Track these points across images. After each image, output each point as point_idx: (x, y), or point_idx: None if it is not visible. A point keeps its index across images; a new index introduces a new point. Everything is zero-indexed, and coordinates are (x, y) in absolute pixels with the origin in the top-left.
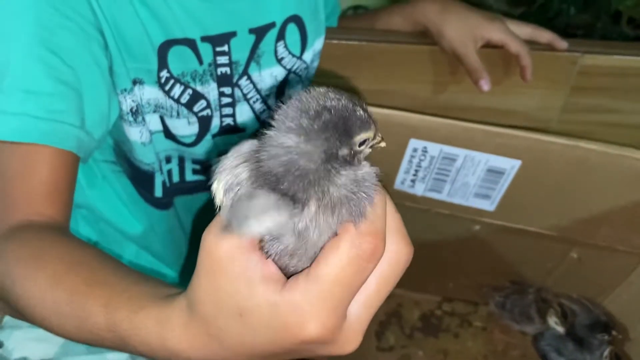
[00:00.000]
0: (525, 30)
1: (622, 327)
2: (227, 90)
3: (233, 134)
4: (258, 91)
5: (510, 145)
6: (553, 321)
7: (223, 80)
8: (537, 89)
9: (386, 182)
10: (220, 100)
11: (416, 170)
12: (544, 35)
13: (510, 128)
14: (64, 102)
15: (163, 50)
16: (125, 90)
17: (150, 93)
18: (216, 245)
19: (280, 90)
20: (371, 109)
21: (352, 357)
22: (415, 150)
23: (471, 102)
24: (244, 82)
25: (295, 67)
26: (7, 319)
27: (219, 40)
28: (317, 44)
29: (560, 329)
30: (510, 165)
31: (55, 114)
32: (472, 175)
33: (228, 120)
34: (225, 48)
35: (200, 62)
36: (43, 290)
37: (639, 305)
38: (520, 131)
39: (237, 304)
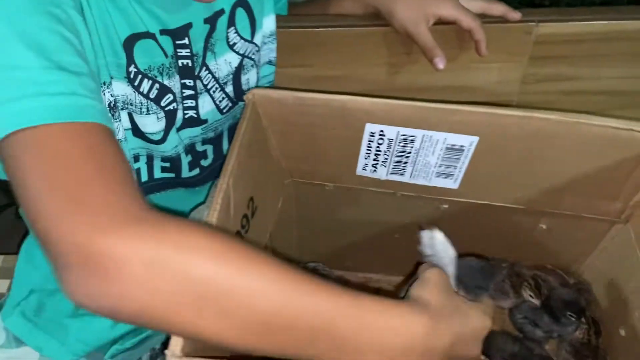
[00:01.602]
0: (477, 4)
1: (594, 299)
2: (189, 82)
3: (196, 126)
4: (216, 80)
5: (467, 122)
6: (527, 294)
7: (185, 72)
8: (494, 62)
9: (346, 170)
10: (182, 92)
11: (376, 155)
12: (496, 8)
13: (469, 104)
14: (94, 82)
15: (129, 45)
16: (104, 83)
17: (119, 89)
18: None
19: (237, 77)
20: (327, 97)
21: None
22: (372, 134)
23: (430, 82)
24: (204, 73)
25: (248, 52)
26: None
27: (178, 33)
28: (266, 26)
29: (535, 302)
30: (469, 142)
31: (94, 93)
32: (432, 155)
33: (191, 113)
34: (186, 41)
35: (166, 55)
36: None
37: (611, 273)
38: (476, 107)
39: (453, 303)
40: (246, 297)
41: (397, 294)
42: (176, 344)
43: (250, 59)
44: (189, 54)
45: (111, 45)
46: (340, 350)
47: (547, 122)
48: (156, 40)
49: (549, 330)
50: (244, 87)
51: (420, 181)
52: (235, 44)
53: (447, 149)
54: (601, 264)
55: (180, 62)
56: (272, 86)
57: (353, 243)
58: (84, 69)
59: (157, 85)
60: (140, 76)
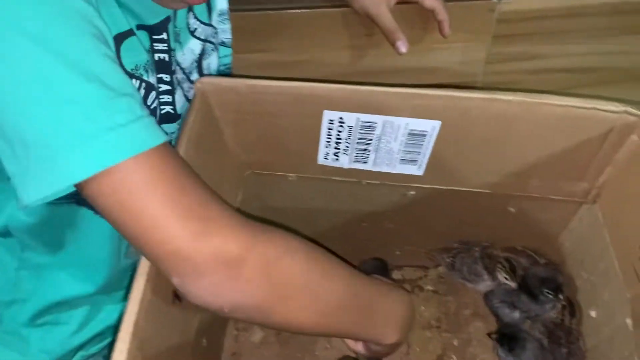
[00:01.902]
0: None
1: (569, 277)
2: (165, 77)
3: (173, 122)
4: (183, 70)
5: (428, 106)
6: (502, 277)
7: (161, 67)
8: (458, 42)
9: (307, 159)
10: (159, 88)
11: (337, 143)
12: None
13: (430, 88)
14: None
15: (117, 45)
16: None
17: None
18: None
19: (200, 64)
20: (281, 84)
21: (307, 337)
22: (331, 122)
23: (392, 64)
24: (176, 66)
25: (208, 36)
26: None
27: (157, 28)
28: (219, 3)
29: (511, 284)
30: (431, 127)
31: (144, 104)
32: (394, 141)
33: (168, 108)
34: (164, 35)
35: (147, 51)
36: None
37: (580, 254)
38: (437, 90)
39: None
40: (326, 288)
41: None
42: (119, 357)
43: (211, 42)
44: (166, 48)
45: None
46: (374, 322)
47: (509, 104)
48: (136, 35)
49: (527, 310)
50: (205, 72)
51: (384, 168)
52: (195, 29)
53: (410, 134)
54: (570, 245)
55: (156, 56)
56: (224, 74)
57: (320, 233)
58: (130, 83)
59: (143, 85)
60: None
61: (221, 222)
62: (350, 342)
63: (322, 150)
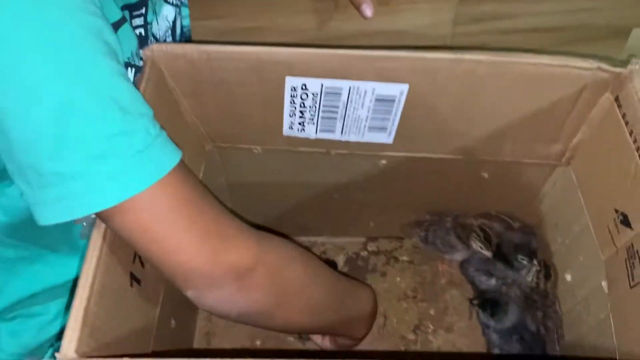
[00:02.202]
0: None
1: (544, 240)
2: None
3: None
4: (158, 41)
5: (395, 69)
6: (477, 246)
7: (141, 43)
8: (424, 3)
9: (272, 130)
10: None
11: (301, 112)
12: None
13: (396, 49)
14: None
15: None
16: None
17: None
18: None
19: (174, 31)
20: (238, 49)
21: None
22: (294, 89)
23: (358, 28)
24: (151, 38)
25: (177, 1)
26: None
27: (136, 5)
28: None
29: (487, 253)
30: (399, 91)
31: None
32: (361, 108)
33: None
34: (142, 10)
35: (135, 35)
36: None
37: (555, 217)
38: (402, 52)
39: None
40: (317, 290)
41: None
42: (69, 346)
43: (184, 5)
44: (142, 23)
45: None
46: (350, 319)
47: (479, 64)
48: (127, 21)
49: (503, 277)
50: (179, 39)
51: (353, 137)
52: None
53: (377, 100)
54: (545, 209)
55: (137, 31)
56: (177, 41)
57: (291, 207)
58: (141, 99)
59: (134, 70)
60: (127, 69)
61: (234, 237)
62: (316, 339)
63: (286, 120)
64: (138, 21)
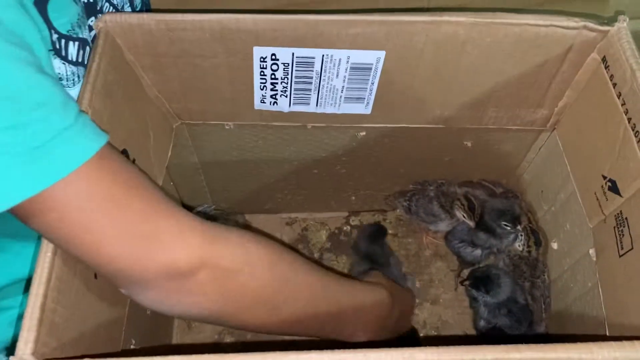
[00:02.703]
0: None
1: (528, 207)
2: (91, 21)
3: None
4: (115, 7)
5: (369, 35)
6: (461, 215)
7: (90, 11)
8: None
9: (243, 105)
10: (90, 35)
11: (273, 84)
12: None
13: (370, 13)
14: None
15: (42, 8)
16: None
17: None
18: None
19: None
20: (198, 17)
21: None
22: (263, 59)
23: None
24: (103, 2)
25: None
26: None
27: None
28: None
29: (470, 223)
30: (375, 58)
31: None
32: (336, 77)
33: None
34: None
35: (75, 2)
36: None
37: (541, 184)
38: (378, 15)
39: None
40: (289, 297)
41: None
42: (25, 348)
43: None
44: None
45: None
46: (342, 325)
47: (458, 26)
48: None
49: (487, 247)
50: (136, 7)
51: (329, 109)
52: None
53: (352, 68)
54: (530, 177)
55: (82, 0)
56: (136, 10)
57: (269, 184)
58: (48, 85)
59: (80, 44)
60: (64, 41)
61: (170, 236)
62: None
63: (257, 93)
64: None
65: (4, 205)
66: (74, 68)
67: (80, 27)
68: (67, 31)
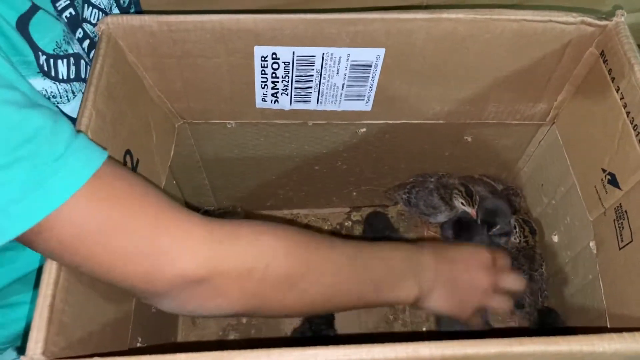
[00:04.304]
0: None
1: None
2: (79, 32)
3: None
4: (103, 11)
5: (369, 32)
6: (459, 203)
7: (73, 24)
8: None
9: (245, 103)
10: (83, 49)
11: (274, 82)
12: None
13: (369, 11)
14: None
15: (24, 31)
16: None
17: (38, 87)
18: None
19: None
20: (199, 18)
21: None
22: (264, 58)
23: None
24: (88, 11)
25: None
26: None
27: None
28: None
29: (469, 210)
30: (375, 55)
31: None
32: (336, 75)
33: None
34: None
35: (57, 19)
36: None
37: (541, 178)
38: (376, 13)
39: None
40: (314, 278)
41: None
42: (35, 347)
43: None
44: (68, 2)
45: (8, 42)
46: (382, 288)
47: (457, 22)
48: (41, 8)
49: (482, 242)
50: (124, 4)
51: (330, 107)
52: None
53: (352, 66)
54: (530, 170)
55: (64, 16)
56: (125, 9)
57: (271, 181)
58: (35, 115)
59: (72, 60)
60: (52, 61)
61: (172, 248)
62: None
63: (258, 91)
64: (63, 3)
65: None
66: (66, 85)
67: (68, 43)
68: (53, 50)
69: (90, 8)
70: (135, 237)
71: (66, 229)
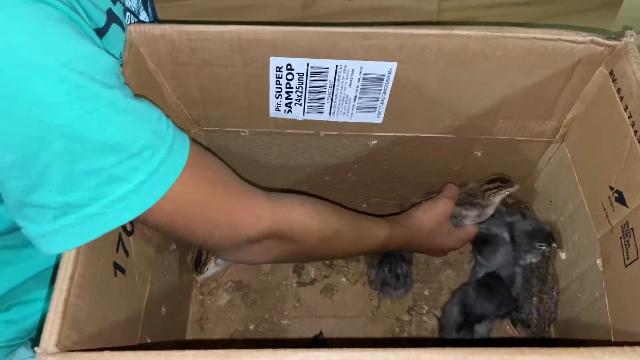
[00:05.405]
0: None
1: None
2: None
3: None
4: (133, 14)
5: (382, 47)
6: (501, 197)
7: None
8: None
9: (259, 112)
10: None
11: (288, 93)
12: None
13: (383, 26)
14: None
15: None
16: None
17: None
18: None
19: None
20: (218, 28)
21: (274, 298)
22: (279, 69)
23: (343, 6)
24: (123, 12)
25: None
26: None
27: None
28: None
29: (510, 190)
30: (387, 69)
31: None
32: (349, 87)
33: None
34: None
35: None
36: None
37: (549, 194)
38: (390, 28)
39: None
40: (335, 234)
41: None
42: (50, 339)
43: None
44: (123, 8)
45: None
46: (376, 235)
47: (469, 39)
48: (114, 22)
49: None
50: (149, 4)
51: (342, 118)
52: None
53: (365, 79)
54: (539, 187)
55: (127, 19)
56: (148, 9)
57: (281, 191)
58: (139, 116)
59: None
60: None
61: (244, 219)
62: None
63: (272, 101)
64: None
65: (126, 218)
66: None
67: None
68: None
69: (127, 13)
70: (222, 210)
71: (173, 209)
